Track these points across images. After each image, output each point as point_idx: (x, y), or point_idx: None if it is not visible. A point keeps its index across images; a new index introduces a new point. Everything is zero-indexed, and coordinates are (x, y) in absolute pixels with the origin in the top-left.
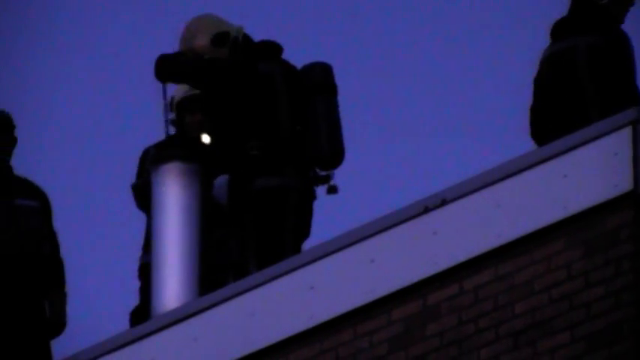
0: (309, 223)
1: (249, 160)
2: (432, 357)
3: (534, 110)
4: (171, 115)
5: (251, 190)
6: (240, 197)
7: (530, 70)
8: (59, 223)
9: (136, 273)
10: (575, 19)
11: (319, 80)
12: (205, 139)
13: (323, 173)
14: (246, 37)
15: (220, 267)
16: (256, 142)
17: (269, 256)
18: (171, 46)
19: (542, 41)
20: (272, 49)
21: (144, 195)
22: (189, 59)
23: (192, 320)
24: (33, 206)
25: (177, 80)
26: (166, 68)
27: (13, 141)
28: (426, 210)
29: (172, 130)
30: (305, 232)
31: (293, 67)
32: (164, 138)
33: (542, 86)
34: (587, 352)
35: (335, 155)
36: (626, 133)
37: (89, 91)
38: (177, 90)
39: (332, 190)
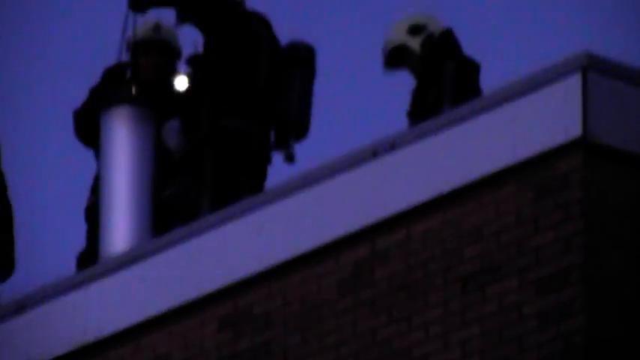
0: (262, 184)
1: (217, 101)
2: (380, 302)
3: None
4: (127, 58)
5: (217, 127)
6: (202, 134)
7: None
8: (7, 164)
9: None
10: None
11: (302, 56)
12: (181, 84)
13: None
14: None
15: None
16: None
17: (225, 195)
18: None
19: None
20: (262, 18)
21: (84, 123)
22: None
23: (140, 263)
24: None
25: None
26: None
27: None
28: (375, 154)
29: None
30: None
31: (277, 38)
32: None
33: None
34: (536, 298)
35: (302, 125)
36: (576, 78)
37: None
38: (134, 32)
39: (289, 157)
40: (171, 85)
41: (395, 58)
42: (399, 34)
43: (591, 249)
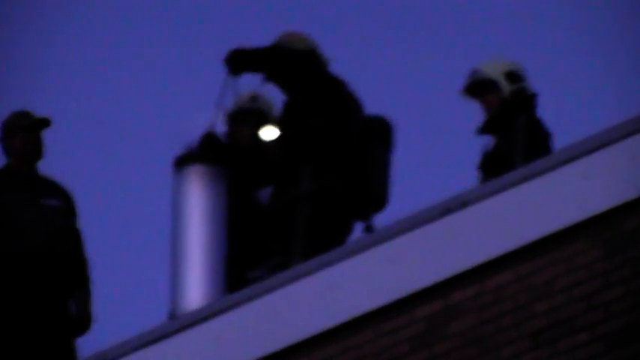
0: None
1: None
2: (453, 356)
3: None
4: (224, 127)
5: (318, 186)
6: (303, 190)
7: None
8: (86, 221)
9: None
10: None
11: (381, 130)
12: (266, 134)
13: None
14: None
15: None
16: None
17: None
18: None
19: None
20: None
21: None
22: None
23: (215, 319)
24: (58, 205)
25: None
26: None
27: (40, 141)
28: (448, 212)
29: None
30: None
31: (362, 107)
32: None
33: None
34: (606, 352)
35: (382, 198)
36: None
37: (127, 98)
38: (232, 103)
39: (369, 229)
40: (264, 155)
41: (478, 88)
42: (495, 71)
43: None
